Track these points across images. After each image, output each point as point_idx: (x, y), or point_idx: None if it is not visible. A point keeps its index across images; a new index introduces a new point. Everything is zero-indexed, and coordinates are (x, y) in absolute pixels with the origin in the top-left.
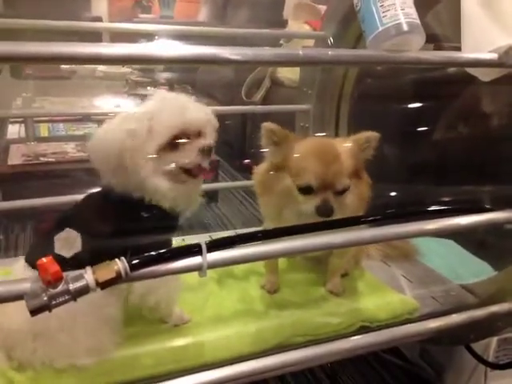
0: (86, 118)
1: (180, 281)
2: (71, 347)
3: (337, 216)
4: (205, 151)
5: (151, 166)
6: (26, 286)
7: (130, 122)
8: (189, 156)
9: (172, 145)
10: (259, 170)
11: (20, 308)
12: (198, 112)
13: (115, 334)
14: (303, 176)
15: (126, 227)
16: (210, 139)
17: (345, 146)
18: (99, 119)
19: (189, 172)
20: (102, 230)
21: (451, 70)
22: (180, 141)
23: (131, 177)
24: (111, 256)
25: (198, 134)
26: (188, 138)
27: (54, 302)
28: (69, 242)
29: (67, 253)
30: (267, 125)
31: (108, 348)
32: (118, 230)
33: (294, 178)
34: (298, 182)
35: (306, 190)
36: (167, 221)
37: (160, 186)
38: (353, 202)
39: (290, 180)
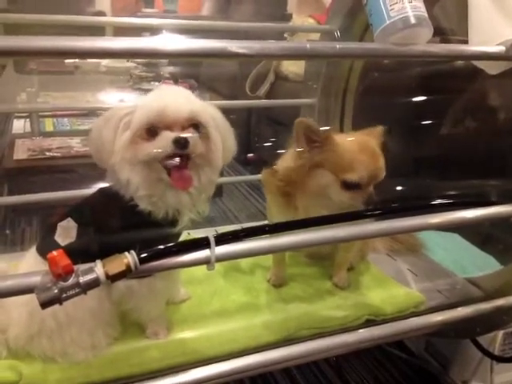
0: (90, 113)
1: (165, 292)
2: (65, 342)
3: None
4: (177, 141)
5: (124, 154)
6: (36, 280)
7: (113, 110)
8: (159, 144)
9: (148, 133)
10: (283, 164)
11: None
12: (182, 102)
13: (110, 324)
14: (353, 172)
15: (106, 225)
16: (196, 135)
17: (375, 141)
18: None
19: (169, 172)
20: (93, 225)
21: (458, 63)
22: (156, 129)
23: (111, 170)
24: (95, 252)
25: (187, 129)
26: (168, 129)
27: (64, 295)
28: (66, 231)
29: (62, 241)
30: (303, 121)
31: (102, 342)
32: (101, 228)
33: (338, 174)
34: (346, 178)
35: (352, 186)
36: (148, 225)
37: (130, 179)
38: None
39: (331, 176)
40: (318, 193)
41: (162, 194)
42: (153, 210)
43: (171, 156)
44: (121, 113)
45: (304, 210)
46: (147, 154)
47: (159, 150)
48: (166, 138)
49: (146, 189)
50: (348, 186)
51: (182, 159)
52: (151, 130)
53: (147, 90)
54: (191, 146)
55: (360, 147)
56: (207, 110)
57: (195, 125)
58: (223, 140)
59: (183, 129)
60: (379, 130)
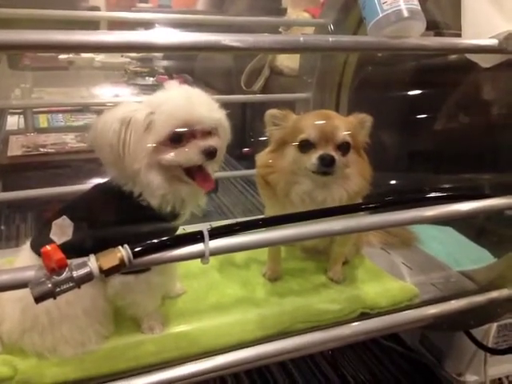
0: (85, 109)
1: (162, 287)
2: (56, 338)
3: (340, 185)
4: (207, 152)
5: (147, 159)
6: (30, 274)
7: (127, 110)
8: (188, 154)
9: (173, 140)
10: (261, 154)
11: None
12: (207, 109)
13: (103, 324)
14: (302, 133)
15: (109, 220)
16: (217, 141)
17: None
18: (98, 109)
19: (189, 173)
20: (92, 221)
21: (451, 56)
22: (182, 136)
23: (126, 168)
24: (95, 246)
25: (207, 134)
26: (193, 136)
27: (58, 290)
28: (62, 229)
29: (58, 239)
30: (269, 112)
31: (92, 340)
32: (102, 222)
33: (295, 141)
34: (299, 139)
35: (306, 146)
36: (152, 220)
37: (152, 181)
38: (355, 173)
39: (292, 148)
40: (290, 169)
41: (177, 191)
42: (161, 205)
43: None
44: (143, 114)
45: (286, 196)
46: (176, 162)
47: (189, 159)
48: (196, 148)
49: (165, 188)
50: (303, 147)
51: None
52: (176, 137)
53: (142, 85)
54: (217, 153)
55: (312, 114)
56: (223, 112)
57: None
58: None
59: (205, 134)
60: (363, 115)
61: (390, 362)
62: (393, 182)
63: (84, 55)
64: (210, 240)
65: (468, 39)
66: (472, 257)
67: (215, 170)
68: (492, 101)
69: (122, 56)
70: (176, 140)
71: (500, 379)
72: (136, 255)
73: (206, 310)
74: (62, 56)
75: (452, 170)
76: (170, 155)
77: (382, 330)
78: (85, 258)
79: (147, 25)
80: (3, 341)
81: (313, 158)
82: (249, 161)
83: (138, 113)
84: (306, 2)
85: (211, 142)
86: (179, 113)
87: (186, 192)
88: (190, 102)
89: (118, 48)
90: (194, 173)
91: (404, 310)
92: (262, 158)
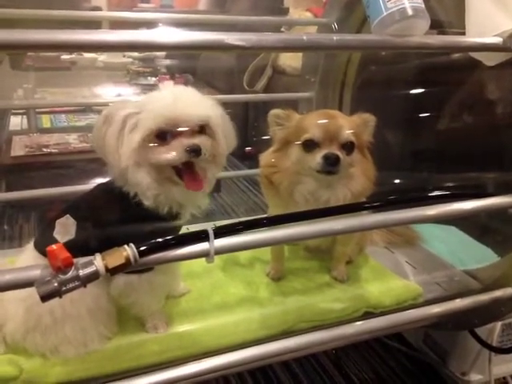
0: (87, 109)
1: (165, 286)
2: (58, 339)
3: (344, 185)
4: (190, 150)
5: (134, 158)
6: (36, 273)
7: (112, 108)
8: (171, 152)
9: (159, 139)
10: (265, 154)
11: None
12: (194, 108)
13: (106, 325)
14: (306, 132)
15: (110, 220)
16: (204, 140)
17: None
18: (101, 109)
19: (178, 172)
20: (93, 220)
21: (455, 55)
22: (167, 135)
23: (114, 167)
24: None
25: (196, 133)
26: (179, 134)
27: (64, 288)
28: (65, 227)
29: (61, 238)
30: (272, 112)
31: (95, 341)
32: (104, 222)
33: (299, 140)
34: (303, 139)
35: (311, 146)
36: (152, 220)
37: (141, 181)
38: (359, 173)
39: (296, 147)
40: (293, 169)
41: (169, 192)
42: (157, 206)
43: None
44: (124, 113)
45: (290, 196)
46: (160, 160)
47: (172, 157)
48: (180, 146)
49: (155, 189)
50: (308, 147)
51: (192, 162)
52: (161, 135)
53: (144, 85)
54: (203, 151)
55: (315, 114)
56: (215, 111)
57: (204, 126)
58: (225, 135)
59: (193, 132)
60: (367, 115)
61: (393, 361)
62: (396, 180)
63: (86, 55)
64: (215, 239)
65: (472, 37)
66: (476, 256)
67: (217, 172)
68: (496, 99)
69: (124, 56)
70: (161, 138)
71: (505, 378)
72: (142, 254)
73: (209, 309)
74: (65, 56)
75: (455, 169)
76: (155, 153)
77: (385, 329)
78: (90, 257)
79: (149, 25)
80: (7, 341)
81: (317, 157)
82: (251, 160)
83: (120, 111)
84: (308, 2)
85: (196, 140)
86: (163, 111)
87: (178, 193)
88: (176, 101)
89: (121, 47)
90: (183, 173)
91: (408, 309)
92: (265, 157)
